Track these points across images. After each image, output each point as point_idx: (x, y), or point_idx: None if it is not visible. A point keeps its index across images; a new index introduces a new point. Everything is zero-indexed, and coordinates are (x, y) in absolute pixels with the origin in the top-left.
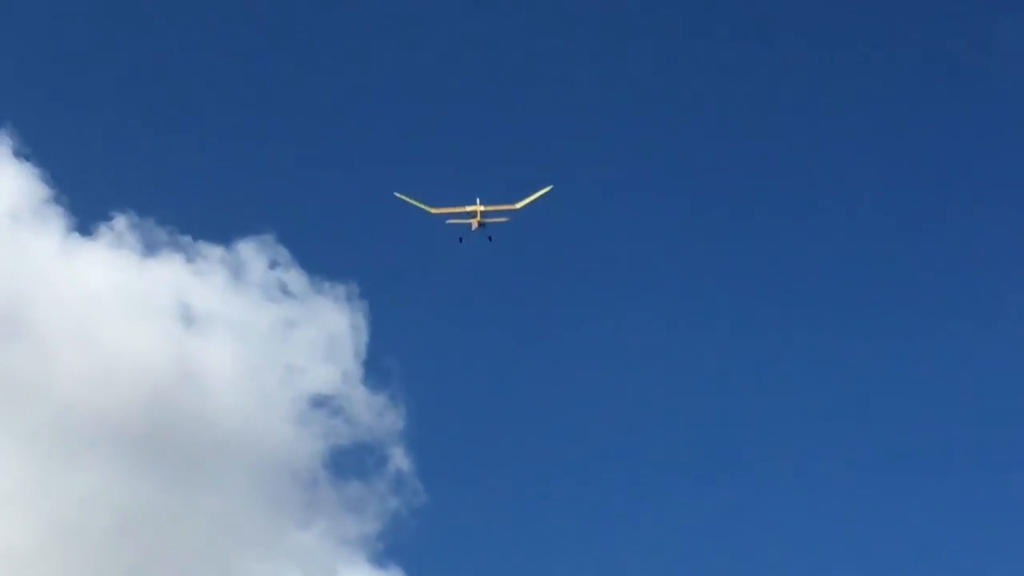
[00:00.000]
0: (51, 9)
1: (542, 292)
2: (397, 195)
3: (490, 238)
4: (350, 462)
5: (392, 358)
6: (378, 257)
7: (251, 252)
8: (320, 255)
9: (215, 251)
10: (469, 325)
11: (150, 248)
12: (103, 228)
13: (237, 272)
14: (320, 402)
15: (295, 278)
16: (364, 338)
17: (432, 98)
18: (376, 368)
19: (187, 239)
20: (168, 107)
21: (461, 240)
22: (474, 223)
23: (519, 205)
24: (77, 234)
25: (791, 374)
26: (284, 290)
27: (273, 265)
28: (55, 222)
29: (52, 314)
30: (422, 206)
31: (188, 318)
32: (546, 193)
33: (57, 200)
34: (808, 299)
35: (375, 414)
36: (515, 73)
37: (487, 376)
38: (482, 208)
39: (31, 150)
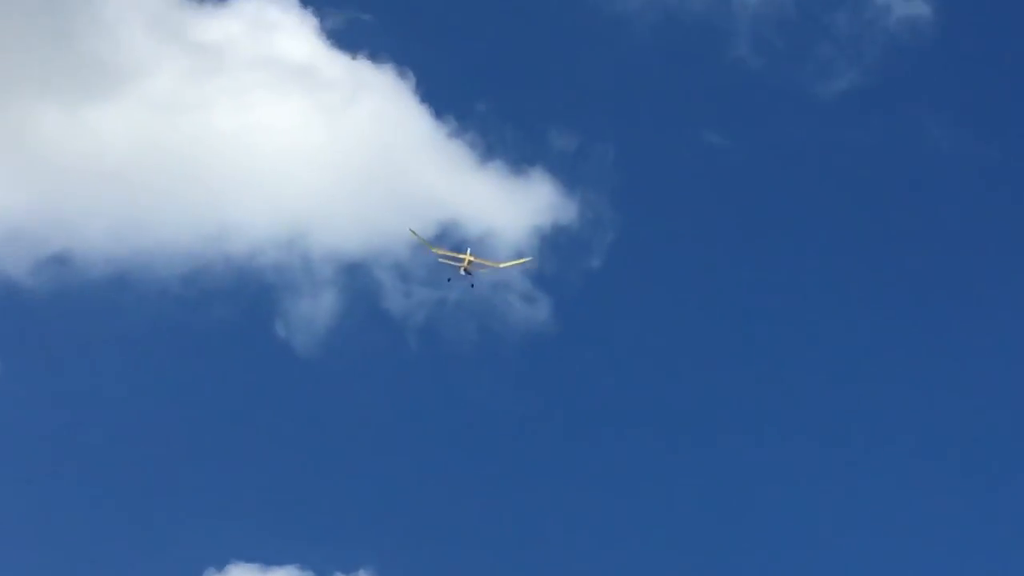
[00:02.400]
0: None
1: None
2: (410, 231)
3: (472, 285)
4: None
5: None
6: None
7: None
8: None
9: None
10: None
11: None
12: None
13: None
14: None
15: None
16: None
17: None
18: None
19: None
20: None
21: (449, 280)
22: (462, 268)
23: (502, 265)
24: None
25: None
26: None
27: None
28: None
29: None
30: (427, 244)
31: None
32: (526, 262)
33: None
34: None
35: None
36: None
37: None
38: (471, 258)
39: None
